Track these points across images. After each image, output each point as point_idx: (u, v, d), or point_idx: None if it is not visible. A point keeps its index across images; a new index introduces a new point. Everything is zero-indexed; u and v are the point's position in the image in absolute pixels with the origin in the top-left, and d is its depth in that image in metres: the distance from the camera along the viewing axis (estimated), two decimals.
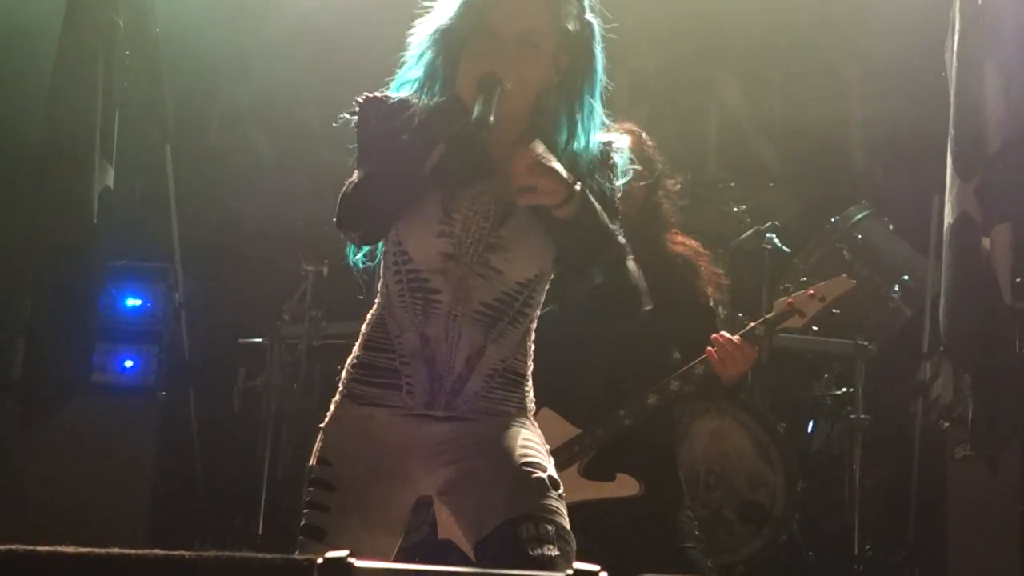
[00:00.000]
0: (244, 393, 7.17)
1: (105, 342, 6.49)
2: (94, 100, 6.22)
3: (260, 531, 6.64)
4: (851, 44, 8.25)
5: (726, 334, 4.56)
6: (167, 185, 6.97)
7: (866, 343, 6.60)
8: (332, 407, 3.18)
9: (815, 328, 6.07)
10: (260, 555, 2.03)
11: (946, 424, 6.12)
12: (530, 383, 3.19)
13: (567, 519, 2.99)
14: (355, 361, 3.17)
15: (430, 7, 3.11)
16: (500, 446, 3.05)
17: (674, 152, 8.31)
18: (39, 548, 1.98)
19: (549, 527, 2.91)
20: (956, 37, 5.90)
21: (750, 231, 7.14)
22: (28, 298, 6.38)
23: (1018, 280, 5.73)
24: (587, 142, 3.11)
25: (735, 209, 7.40)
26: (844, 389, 6.85)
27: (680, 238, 4.93)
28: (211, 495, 6.99)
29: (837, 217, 7.19)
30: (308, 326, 6.98)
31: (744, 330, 4.64)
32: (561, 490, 3.02)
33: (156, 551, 2.01)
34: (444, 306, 3.03)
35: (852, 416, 6.57)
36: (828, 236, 7.11)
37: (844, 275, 5.63)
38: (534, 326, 3.18)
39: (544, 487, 2.99)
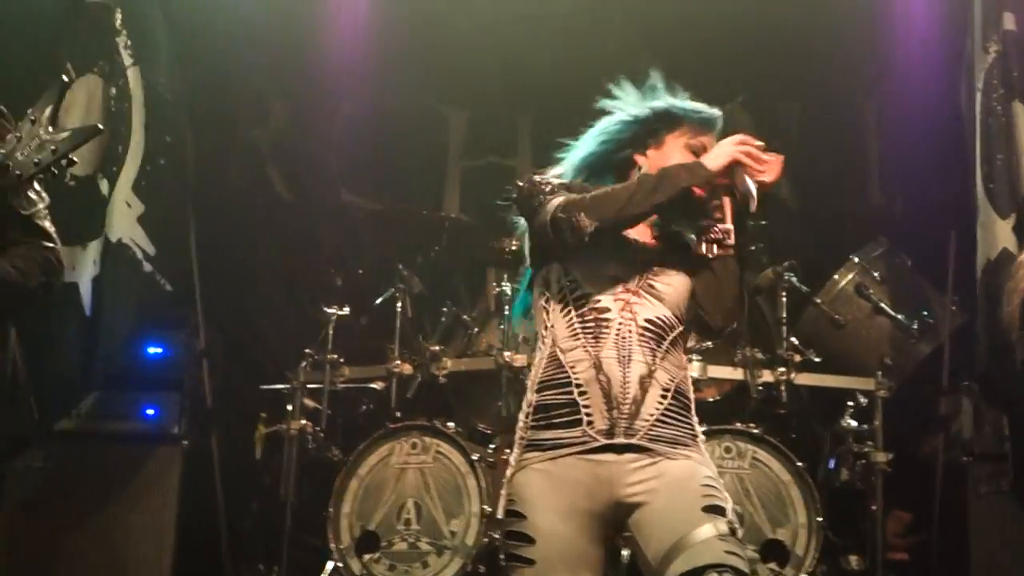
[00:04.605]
0: (266, 439, 7.16)
1: (127, 390, 6.52)
2: None
3: None
4: (868, 79, 8.24)
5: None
6: (188, 232, 7.01)
7: (886, 379, 6.59)
8: (513, 457, 3.33)
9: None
10: None
11: (968, 459, 6.10)
12: (694, 414, 3.36)
13: (746, 562, 3.16)
14: (531, 408, 3.34)
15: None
16: (684, 488, 3.20)
17: None
18: None
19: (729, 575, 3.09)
20: (981, 73, 5.87)
21: (768, 270, 7.13)
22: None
23: None
24: None
25: (752, 248, 7.38)
26: (864, 426, 6.81)
27: None
28: (234, 541, 6.99)
29: (855, 254, 7.17)
30: (330, 370, 6.95)
31: None
32: (740, 532, 3.20)
33: None
34: (613, 324, 3.23)
35: (873, 453, 6.54)
36: (846, 273, 7.09)
37: None
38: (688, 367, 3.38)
39: (725, 533, 3.15)
